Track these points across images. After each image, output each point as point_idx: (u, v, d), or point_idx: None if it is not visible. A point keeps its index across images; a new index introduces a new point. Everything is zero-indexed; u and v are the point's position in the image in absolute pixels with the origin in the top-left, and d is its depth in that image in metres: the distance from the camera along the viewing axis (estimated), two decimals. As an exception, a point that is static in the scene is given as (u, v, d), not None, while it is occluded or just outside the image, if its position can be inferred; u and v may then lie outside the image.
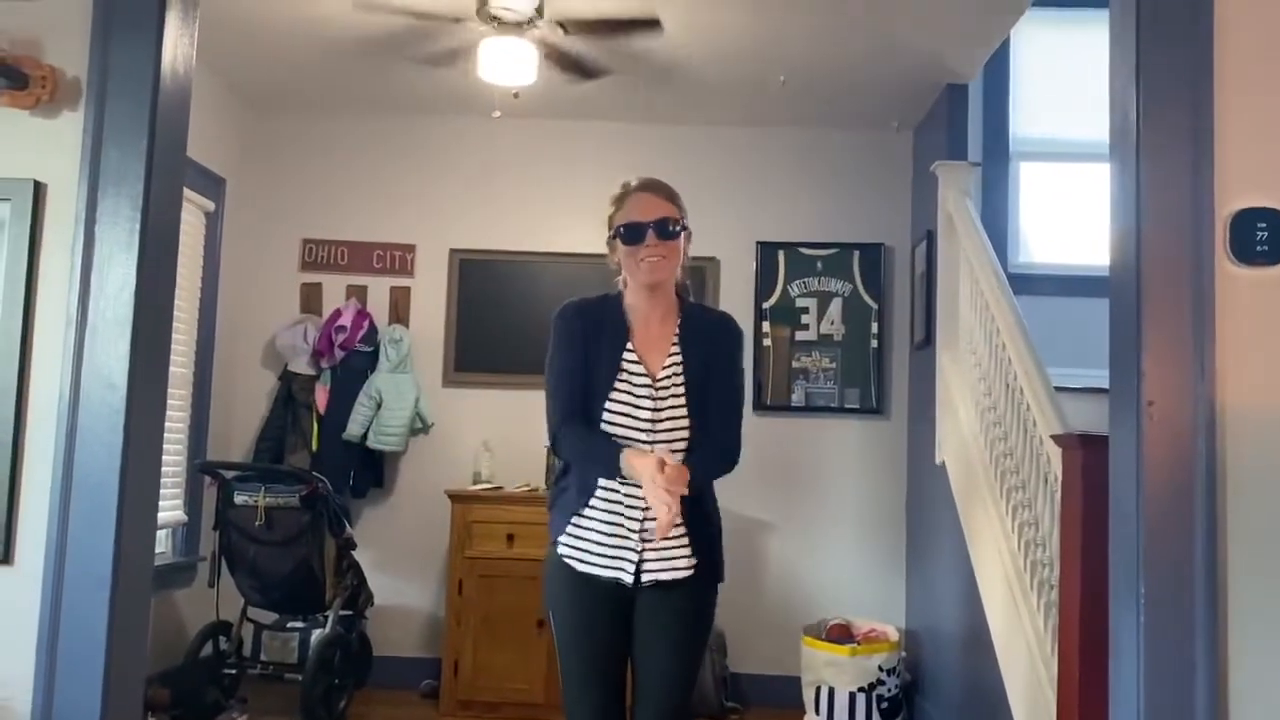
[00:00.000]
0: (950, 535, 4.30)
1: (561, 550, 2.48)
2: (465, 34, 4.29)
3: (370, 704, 4.80)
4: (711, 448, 2.47)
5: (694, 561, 2.44)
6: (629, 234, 2.47)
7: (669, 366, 2.48)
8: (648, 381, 2.46)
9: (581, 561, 2.45)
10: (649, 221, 2.46)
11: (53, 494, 2.03)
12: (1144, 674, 1.77)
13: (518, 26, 4.10)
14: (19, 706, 2.01)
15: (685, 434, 2.46)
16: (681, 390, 2.47)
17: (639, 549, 2.41)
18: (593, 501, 2.45)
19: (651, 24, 4.18)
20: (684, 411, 2.46)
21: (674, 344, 2.50)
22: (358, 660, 4.69)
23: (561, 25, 4.16)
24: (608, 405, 2.44)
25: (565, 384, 2.50)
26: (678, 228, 2.49)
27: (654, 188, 2.53)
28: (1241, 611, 1.78)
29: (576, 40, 4.28)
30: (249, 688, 4.58)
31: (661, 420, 2.44)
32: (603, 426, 2.44)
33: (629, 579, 2.41)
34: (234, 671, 4.50)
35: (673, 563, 2.42)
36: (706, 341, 2.52)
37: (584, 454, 2.46)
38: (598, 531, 2.44)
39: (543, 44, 4.25)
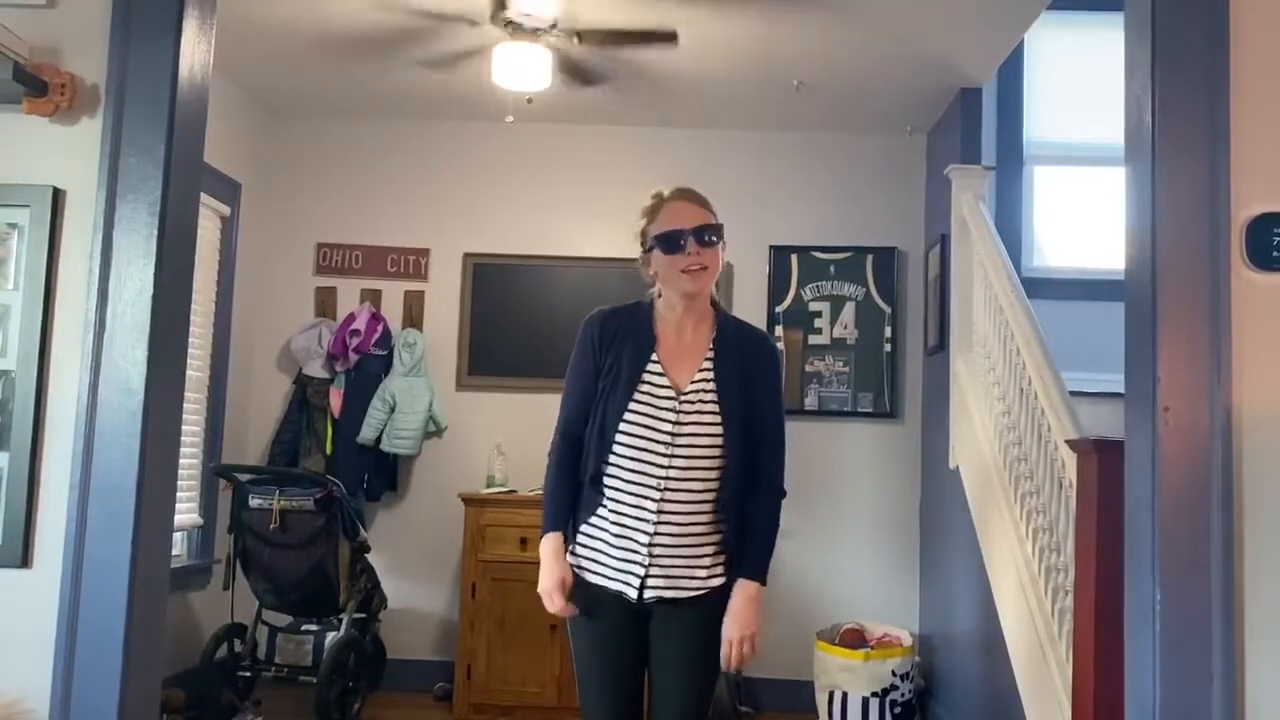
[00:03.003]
0: (964, 540, 4.29)
1: (571, 560, 2.45)
2: (480, 39, 4.30)
3: (384, 707, 4.81)
4: (769, 495, 2.45)
5: (706, 581, 2.39)
6: (668, 243, 2.40)
7: (698, 381, 2.41)
8: (671, 395, 2.40)
9: (591, 573, 2.42)
10: (689, 229, 2.39)
11: (71, 498, 2.04)
12: (1160, 681, 1.76)
13: (532, 33, 4.12)
14: (37, 708, 2.03)
15: (713, 451, 2.38)
16: (713, 406, 2.39)
17: (645, 564, 2.36)
18: (600, 512, 2.42)
19: (668, 36, 4.18)
20: (716, 430, 2.38)
21: (707, 357, 2.43)
22: (371, 663, 4.71)
23: (577, 34, 4.17)
24: (625, 417, 2.38)
25: (570, 401, 2.49)
26: (716, 236, 2.42)
27: (690, 196, 2.48)
28: (1259, 619, 1.77)
29: (588, 49, 4.28)
30: (263, 690, 4.60)
31: (682, 435, 2.37)
32: (618, 439, 2.38)
33: (633, 594, 2.37)
34: (248, 674, 4.52)
35: (678, 581, 2.37)
36: (743, 359, 2.45)
37: (545, 494, 2.50)
38: (606, 543, 2.41)
39: (554, 50, 4.26)
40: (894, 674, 4.57)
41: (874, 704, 4.54)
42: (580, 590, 2.43)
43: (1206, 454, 1.77)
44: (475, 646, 4.73)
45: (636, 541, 2.37)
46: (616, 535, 2.39)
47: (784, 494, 2.50)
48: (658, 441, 2.37)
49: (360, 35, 4.45)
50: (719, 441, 2.39)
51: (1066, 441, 3.07)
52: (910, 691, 4.63)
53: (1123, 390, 1.93)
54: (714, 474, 2.39)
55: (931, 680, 4.83)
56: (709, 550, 2.40)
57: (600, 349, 2.46)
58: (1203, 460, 1.77)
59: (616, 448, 2.39)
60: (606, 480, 2.41)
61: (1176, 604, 1.76)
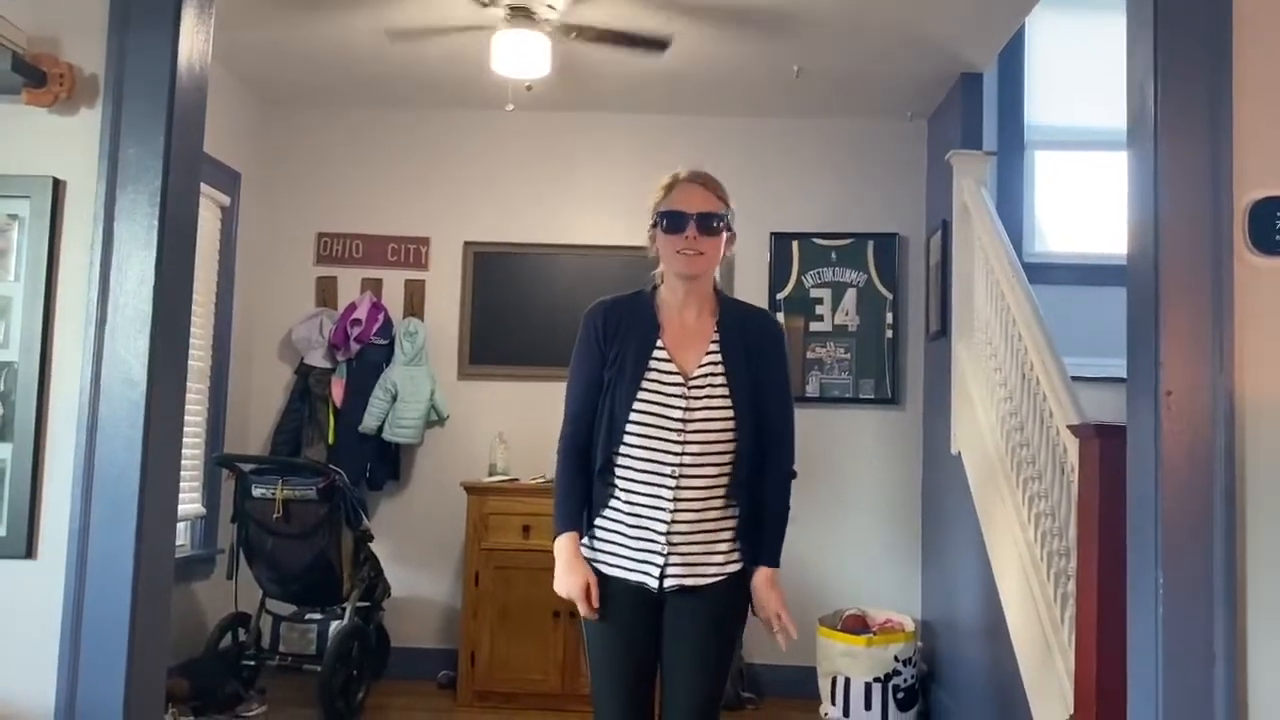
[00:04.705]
0: (966, 525, 4.29)
1: (587, 554, 2.44)
2: (479, 26, 4.29)
3: (388, 695, 4.83)
4: (780, 478, 2.47)
5: (724, 567, 2.40)
6: (670, 222, 2.41)
7: (705, 365, 2.41)
8: (679, 381, 2.40)
9: (607, 565, 2.42)
10: (693, 213, 2.40)
11: (74, 489, 2.05)
12: (1162, 664, 1.77)
13: (530, 20, 4.10)
14: (43, 698, 2.03)
15: (725, 435, 2.39)
16: (723, 390, 2.40)
17: (665, 552, 2.36)
18: (613, 504, 2.41)
19: (660, 44, 4.20)
20: (727, 413, 2.38)
21: (712, 341, 2.44)
22: (375, 651, 4.72)
23: (576, 29, 4.16)
24: (635, 406, 2.38)
25: (576, 394, 2.48)
26: (721, 224, 2.43)
27: (703, 181, 2.47)
28: (1260, 601, 1.77)
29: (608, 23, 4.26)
30: (268, 679, 4.61)
31: (693, 421, 2.37)
32: (629, 428, 2.38)
33: (654, 583, 2.37)
34: (253, 663, 4.53)
35: (698, 568, 2.38)
36: (748, 339, 2.46)
37: (556, 493, 2.47)
38: (622, 534, 2.40)
39: (606, 30, 4.23)
40: (896, 659, 4.59)
41: (876, 689, 4.56)
42: (596, 582, 2.41)
43: (1209, 438, 1.77)
44: (478, 634, 4.74)
45: (654, 530, 2.37)
46: (632, 526, 2.39)
47: (794, 475, 2.51)
48: (669, 429, 2.37)
49: (358, 24, 4.43)
50: (730, 425, 2.39)
51: (1068, 426, 3.07)
52: (913, 677, 4.64)
53: (1125, 375, 1.93)
54: (727, 457, 2.40)
55: (934, 665, 4.84)
56: (726, 535, 2.41)
57: (605, 339, 2.45)
58: (1205, 444, 1.77)
59: (628, 438, 2.39)
60: (618, 471, 2.41)
61: (1178, 587, 1.77)
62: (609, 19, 4.22)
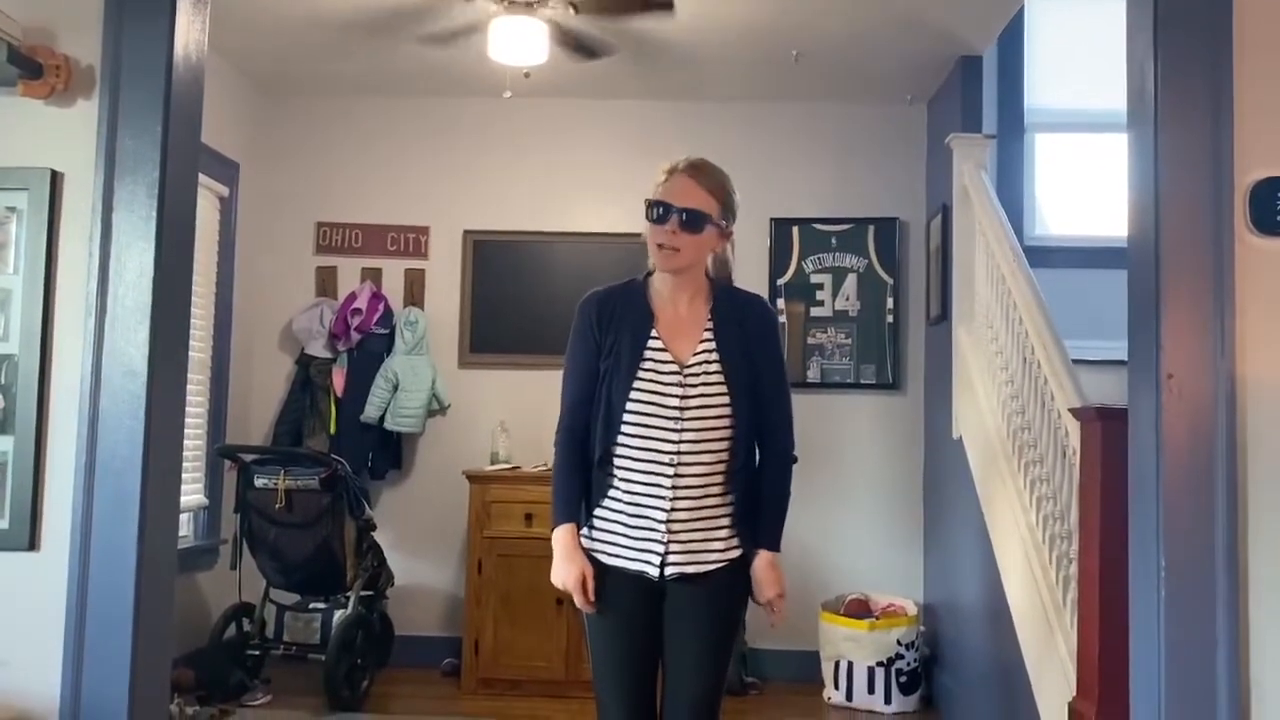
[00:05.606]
0: (968, 510, 4.30)
1: (586, 544, 2.43)
2: (476, 13, 4.28)
3: (392, 683, 4.85)
4: (780, 462, 2.48)
5: (725, 554, 2.40)
6: (654, 211, 2.41)
7: (700, 352, 2.41)
8: (675, 369, 2.39)
9: (607, 555, 2.41)
10: (679, 207, 2.39)
11: (76, 481, 2.05)
12: (1164, 647, 1.77)
13: (528, 5, 4.09)
14: (48, 690, 2.04)
15: (722, 421, 2.38)
16: (718, 376, 2.39)
17: (665, 540, 2.36)
18: (612, 493, 2.41)
19: (664, 4, 4.17)
20: (724, 399, 2.38)
21: (706, 328, 2.44)
22: (379, 640, 4.73)
23: (573, 4, 4.14)
24: (632, 395, 2.37)
25: (572, 385, 2.48)
26: (706, 223, 2.42)
27: (697, 175, 2.44)
28: (1262, 584, 1.77)
29: (585, 19, 4.26)
30: (272, 668, 4.63)
31: (690, 409, 2.37)
32: (626, 417, 2.38)
33: (654, 571, 2.36)
34: (257, 652, 4.54)
35: (699, 556, 2.38)
36: (742, 326, 2.46)
37: (554, 485, 2.47)
38: (622, 524, 2.40)
39: (551, 23, 4.24)
40: (899, 643, 4.60)
41: (879, 673, 4.58)
42: (597, 574, 2.41)
43: (1210, 420, 1.77)
44: (482, 622, 4.76)
45: (653, 519, 2.37)
46: (632, 515, 2.39)
47: (795, 460, 2.51)
48: (666, 416, 2.37)
49: (355, 12, 4.41)
50: (727, 411, 2.39)
51: (1070, 409, 3.07)
52: (915, 660, 4.65)
53: (1126, 358, 1.93)
54: (725, 444, 2.40)
55: (936, 649, 4.86)
56: (725, 521, 2.41)
57: (599, 329, 2.45)
58: (1206, 426, 1.77)
59: (625, 426, 2.39)
60: (616, 460, 2.40)
61: (1180, 570, 1.77)
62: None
